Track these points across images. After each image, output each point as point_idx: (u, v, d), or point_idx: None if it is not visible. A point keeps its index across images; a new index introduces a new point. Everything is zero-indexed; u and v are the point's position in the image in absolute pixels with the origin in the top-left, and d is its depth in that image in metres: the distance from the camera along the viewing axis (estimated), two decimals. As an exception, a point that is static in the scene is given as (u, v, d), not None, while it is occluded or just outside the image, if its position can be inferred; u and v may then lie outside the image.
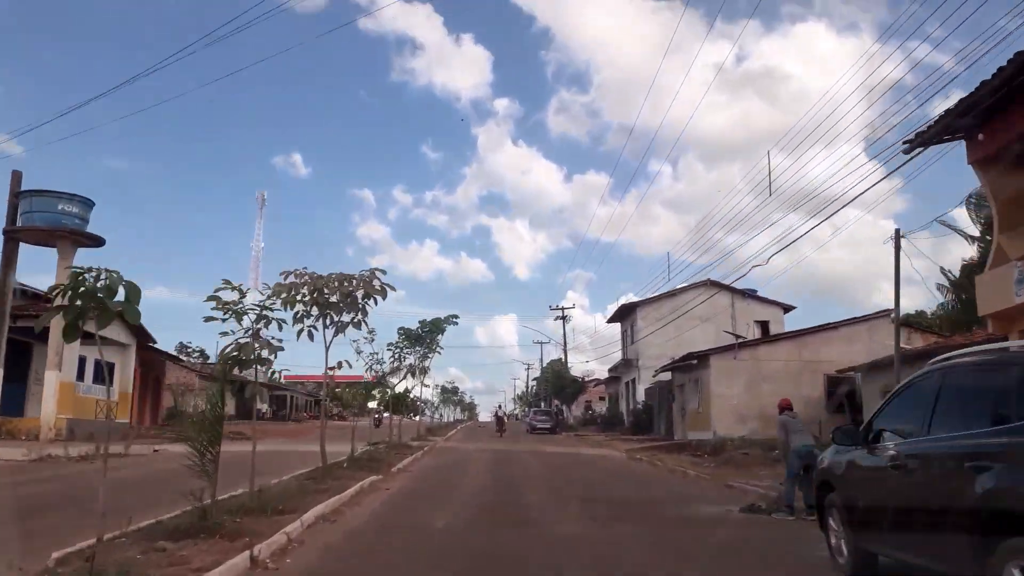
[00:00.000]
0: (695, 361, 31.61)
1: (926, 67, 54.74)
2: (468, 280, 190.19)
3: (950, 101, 20.45)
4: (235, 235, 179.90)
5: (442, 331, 27.48)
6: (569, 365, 54.73)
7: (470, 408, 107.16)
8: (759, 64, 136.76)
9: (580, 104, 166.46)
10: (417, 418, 48.20)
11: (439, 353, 29.08)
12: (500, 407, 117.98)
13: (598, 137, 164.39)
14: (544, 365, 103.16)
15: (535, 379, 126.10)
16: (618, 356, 50.39)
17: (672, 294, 45.26)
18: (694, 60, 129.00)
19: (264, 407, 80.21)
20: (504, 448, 28.23)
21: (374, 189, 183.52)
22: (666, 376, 37.88)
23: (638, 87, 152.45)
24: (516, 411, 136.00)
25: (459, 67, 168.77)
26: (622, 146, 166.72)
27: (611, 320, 51.25)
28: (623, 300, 50.34)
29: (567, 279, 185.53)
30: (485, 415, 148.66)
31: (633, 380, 46.21)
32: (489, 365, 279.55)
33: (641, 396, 44.13)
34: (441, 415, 67.89)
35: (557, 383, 51.52)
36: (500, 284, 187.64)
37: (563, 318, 56.99)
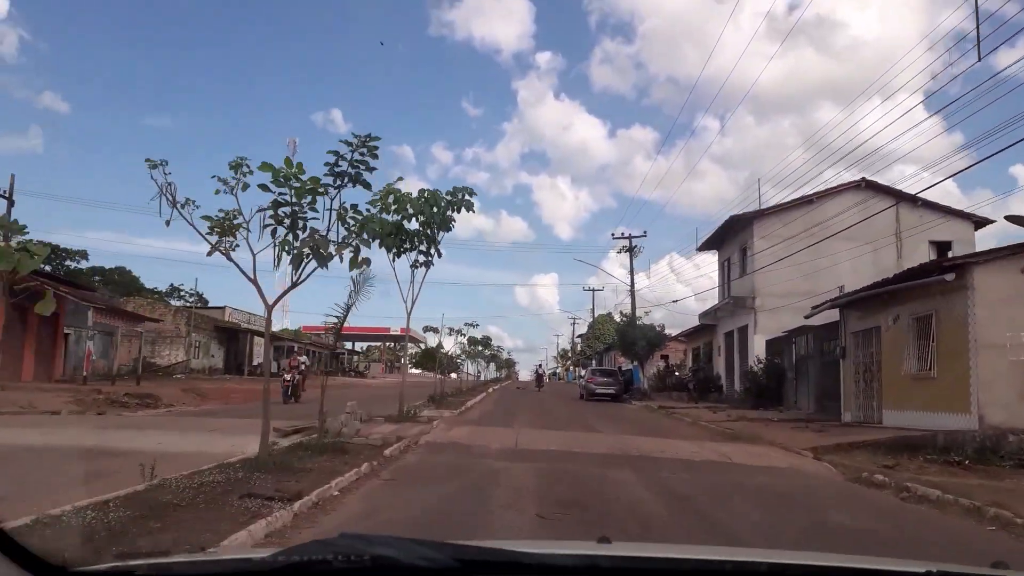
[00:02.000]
0: (924, 280, 16.98)
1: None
2: (508, 239, 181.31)
3: None
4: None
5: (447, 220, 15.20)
6: (637, 316, 40.21)
7: (507, 365, 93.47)
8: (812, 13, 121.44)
9: (625, 55, 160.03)
10: (438, 376, 34.88)
11: (438, 255, 16.38)
12: (540, 365, 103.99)
13: (643, 90, 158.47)
14: (594, 318, 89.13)
15: (579, 336, 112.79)
16: (706, 301, 36.29)
17: (805, 201, 30.68)
18: (740, 5, 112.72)
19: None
20: (558, 447, 13.43)
21: (414, 146, 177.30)
22: (809, 321, 23.66)
23: (686, 36, 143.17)
24: (557, 370, 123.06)
25: (499, 18, 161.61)
26: (669, 99, 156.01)
27: (703, 247, 36.73)
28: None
29: (608, 240, 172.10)
30: (526, 374, 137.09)
31: (743, 329, 31.88)
32: (530, 325, 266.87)
33: (757, 351, 29.87)
34: (469, 372, 54.53)
35: (625, 334, 37.23)
36: (541, 243, 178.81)
37: (630, 249, 42.72)
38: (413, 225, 15.95)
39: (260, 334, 66.03)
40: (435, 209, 15.86)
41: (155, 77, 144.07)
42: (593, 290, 76.90)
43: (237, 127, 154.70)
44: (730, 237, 33.55)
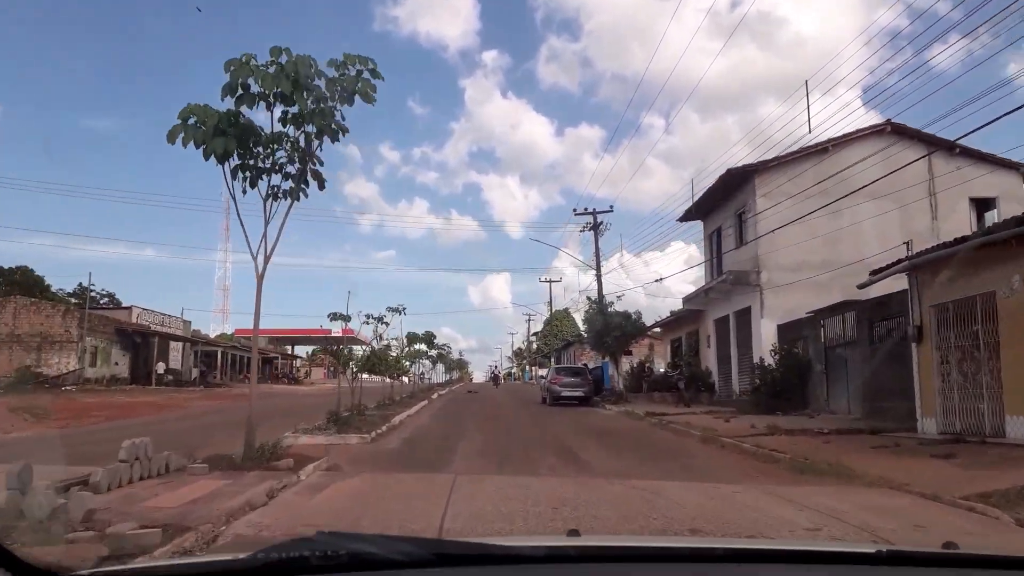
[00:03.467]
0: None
1: None
2: (459, 239, 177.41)
3: None
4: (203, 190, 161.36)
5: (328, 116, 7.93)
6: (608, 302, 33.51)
7: (460, 366, 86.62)
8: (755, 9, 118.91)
9: (571, 52, 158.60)
10: (387, 381, 28.06)
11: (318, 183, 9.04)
12: (496, 366, 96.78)
13: (590, 87, 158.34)
14: (551, 313, 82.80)
15: (535, 334, 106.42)
16: (687, 283, 29.99)
17: (818, 150, 24.64)
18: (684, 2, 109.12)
19: (183, 368, 60.04)
20: (538, 525, 6.74)
21: (361, 146, 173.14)
22: (854, 295, 17.56)
23: (632, 33, 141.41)
24: (513, 370, 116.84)
25: (444, 15, 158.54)
26: (616, 96, 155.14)
27: (685, 217, 30.41)
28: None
29: (561, 234, 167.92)
30: (480, 375, 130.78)
31: (744, 313, 25.61)
32: (482, 323, 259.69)
33: (766, 339, 23.66)
34: (421, 375, 47.54)
35: (594, 324, 30.63)
36: (492, 242, 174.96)
37: (595, 225, 36.26)
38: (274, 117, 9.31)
39: (175, 338, 58.21)
40: (307, 93, 9.20)
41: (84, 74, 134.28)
42: (550, 281, 70.70)
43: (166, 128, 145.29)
44: (722, 200, 27.28)
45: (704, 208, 28.53)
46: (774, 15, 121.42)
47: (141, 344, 52.69)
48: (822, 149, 24.45)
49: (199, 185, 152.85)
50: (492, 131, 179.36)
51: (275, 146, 9.67)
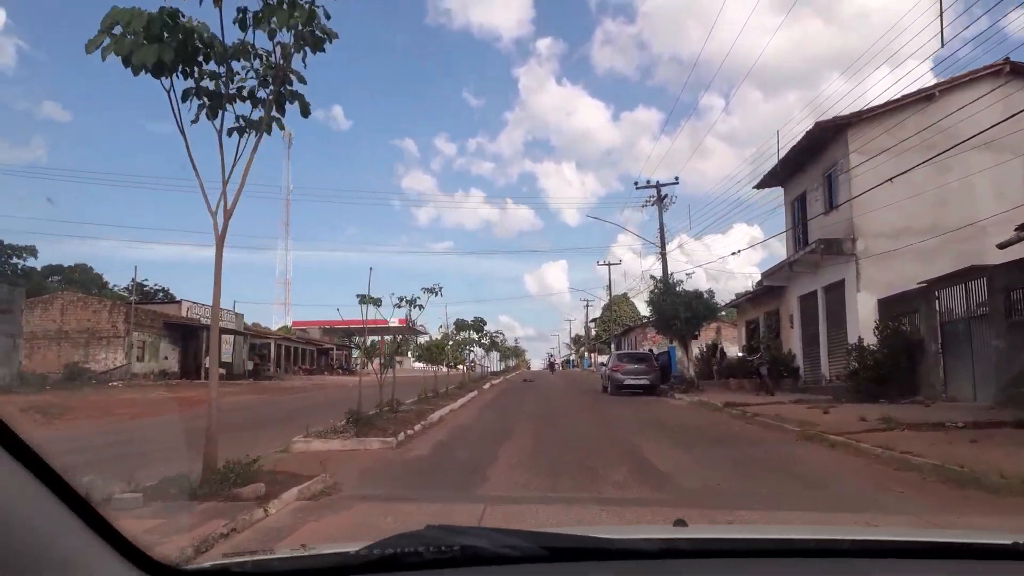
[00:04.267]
0: None
1: None
2: (515, 228, 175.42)
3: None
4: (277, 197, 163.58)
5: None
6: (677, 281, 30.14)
7: (516, 354, 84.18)
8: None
9: (627, 35, 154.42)
10: (439, 370, 25.76)
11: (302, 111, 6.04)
12: (552, 355, 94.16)
13: (647, 70, 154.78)
14: (610, 297, 79.65)
15: (593, 320, 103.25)
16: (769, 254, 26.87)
17: (922, 97, 21.23)
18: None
19: (235, 361, 58.91)
20: None
21: (416, 138, 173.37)
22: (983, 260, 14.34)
23: (689, 13, 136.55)
24: (571, 357, 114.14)
25: (497, 3, 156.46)
26: (673, 79, 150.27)
27: (764, 183, 27.10)
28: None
29: (620, 215, 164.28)
30: (538, 363, 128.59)
31: (835, 287, 22.27)
32: (541, 311, 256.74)
33: (863, 316, 20.41)
34: (472, 364, 45.05)
35: (661, 305, 27.53)
36: (549, 230, 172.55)
37: (660, 200, 33.15)
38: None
39: (225, 331, 57.01)
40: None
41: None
42: (608, 264, 67.50)
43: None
44: (808, 161, 23.92)
45: (786, 171, 25.17)
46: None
47: (191, 338, 51.52)
48: (927, 96, 21.00)
49: (261, 177, 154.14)
50: (547, 119, 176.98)
51: (241, 60, 7.14)
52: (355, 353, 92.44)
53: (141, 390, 35.73)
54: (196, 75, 6.97)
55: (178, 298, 60.42)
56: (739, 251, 36.81)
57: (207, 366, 50.77)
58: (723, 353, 29.56)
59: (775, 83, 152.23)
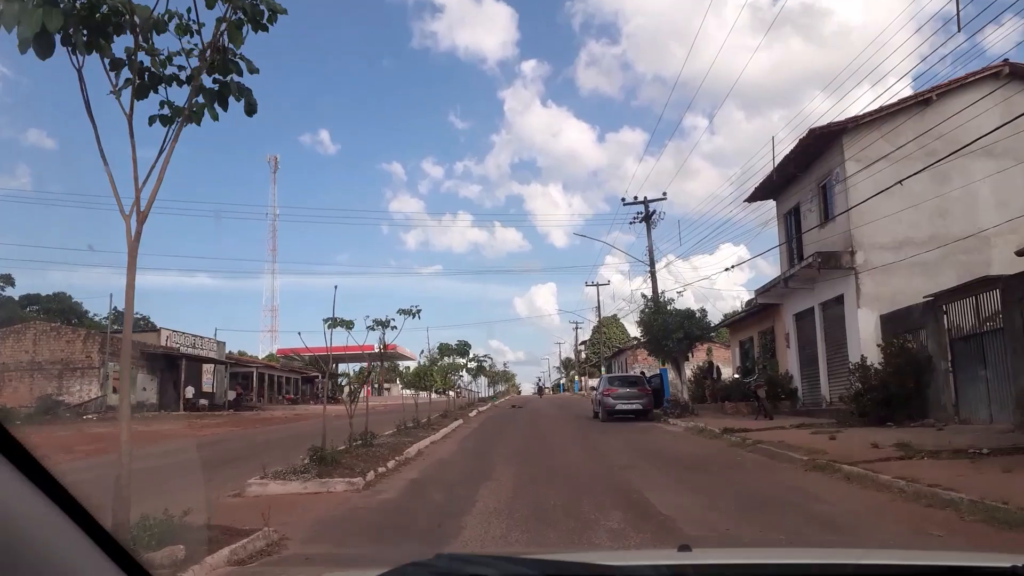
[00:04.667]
0: None
1: None
2: (504, 251, 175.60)
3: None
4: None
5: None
6: (667, 300, 29.03)
7: (506, 378, 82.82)
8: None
9: (611, 56, 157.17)
10: (420, 398, 24.38)
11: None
12: (540, 379, 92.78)
13: (631, 91, 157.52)
14: (599, 319, 78.61)
15: (583, 343, 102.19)
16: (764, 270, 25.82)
17: (919, 101, 20.44)
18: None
19: (217, 391, 57.33)
20: None
21: (404, 163, 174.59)
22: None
23: (672, 34, 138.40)
24: (562, 381, 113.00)
25: (481, 27, 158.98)
26: (658, 99, 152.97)
27: (754, 197, 26.20)
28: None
29: (608, 233, 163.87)
30: (529, 387, 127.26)
31: (834, 303, 21.22)
32: (530, 335, 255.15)
33: (864, 332, 19.39)
34: (458, 389, 43.67)
35: (651, 325, 26.41)
36: (537, 252, 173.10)
37: (647, 217, 32.20)
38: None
39: (206, 360, 55.45)
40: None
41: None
42: (597, 285, 66.50)
43: (224, 153, 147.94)
44: (801, 171, 23.00)
45: (778, 182, 24.27)
46: (816, 6, 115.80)
47: (171, 368, 49.96)
48: (924, 100, 20.16)
49: (245, 201, 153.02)
50: (533, 141, 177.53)
51: (174, 34, 6.05)
52: (341, 381, 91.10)
53: (114, 424, 34.10)
54: (101, 47, 5.85)
55: (158, 326, 58.93)
56: (733, 266, 35.91)
57: (187, 396, 49.41)
58: (719, 372, 28.42)
59: (758, 102, 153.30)
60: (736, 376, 26.41)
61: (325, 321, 14.21)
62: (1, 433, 1.01)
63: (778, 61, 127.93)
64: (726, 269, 44.08)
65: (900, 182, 16.89)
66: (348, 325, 14.22)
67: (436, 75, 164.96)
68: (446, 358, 30.00)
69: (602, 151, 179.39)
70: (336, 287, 14.77)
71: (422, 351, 28.82)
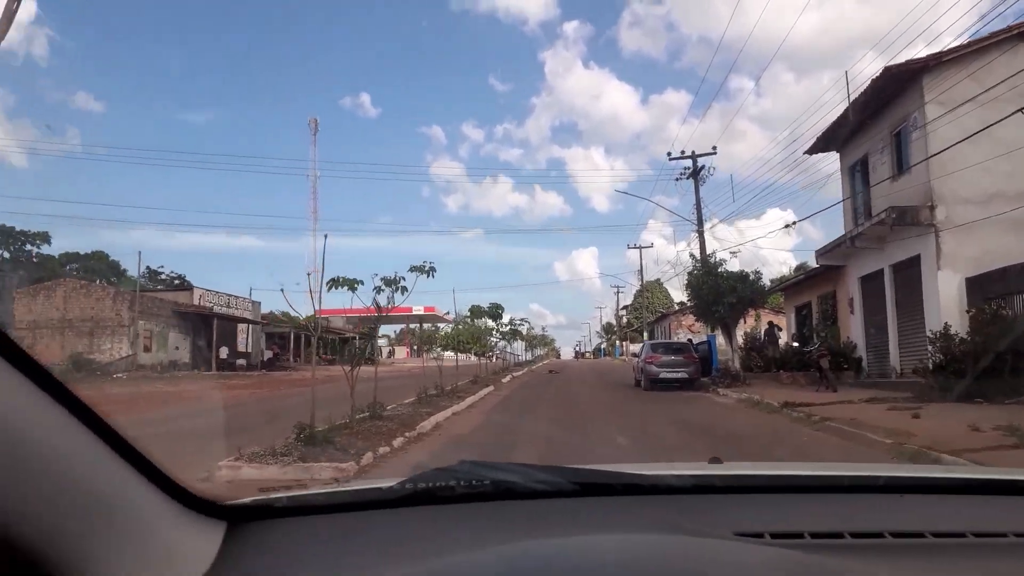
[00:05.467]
0: None
1: None
2: (544, 215, 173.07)
3: None
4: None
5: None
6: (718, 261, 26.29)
7: (544, 342, 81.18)
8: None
9: (655, 16, 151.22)
10: (443, 362, 22.54)
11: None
12: (580, 344, 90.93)
13: (675, 52, 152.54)
14: (642, 284, 76.30)
15: (624, 308, 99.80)
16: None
17: (1013, 34, 17.88)
18: None
19: (253, 351, 56.63)
20: None
21: (444, 126, 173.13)
22: None
23: None
24: (603, 345, 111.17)
25: None
26: (702, 60, 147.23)
27: (815, 148, 23.74)
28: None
29: (651, 192, 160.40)
30: (568, 351, 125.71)
31: (908, 265, 18.91)
32: (571, 299, 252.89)
33: (946, 298, 17.12)
34: (489, 354, 41.88)
35: (701, 288, 24.16)
36: (578, 217, 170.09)
37: (696, 172, 29.85)
38: None
39: (240, 320, 54.61)
40: None
41: (181, 70, 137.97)
42: (640, 247, 64.04)
43: (266, 117, 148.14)
44: (871, 118, 20.52)
45: (844, 132, 21.80)
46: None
47: (204, 327, 49.15)
48: (1018, 34, 17.55)
49: (286, 162, 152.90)
50: (574, 103, 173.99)
51: None
52: (381, 342, 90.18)
53: (142, 383, 33.46)
54: None
55: (192, 285, 58.20)
56: (794, 222, 33.13)
57: (222, 356, 48.62)
58: (766, 340, 25.95)
59: (807, 63, 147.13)
60: (794, 344, 24.15)
61: (329, 282, 12.50)
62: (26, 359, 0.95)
63: (829, 21, 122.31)
64: (787, 225, 40.54)
65: (932, 156, 14.49)
66: (352, 285, 12.47)
67: (476, 37, 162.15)
68: (477, 321, 28.30)
69: (645, 114, 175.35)
70: (327, 236, 12.88)
71: (447, 312, 27.14)
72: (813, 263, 26.32)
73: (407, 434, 11.40)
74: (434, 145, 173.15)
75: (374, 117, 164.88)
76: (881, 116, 20.11)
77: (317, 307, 11.49)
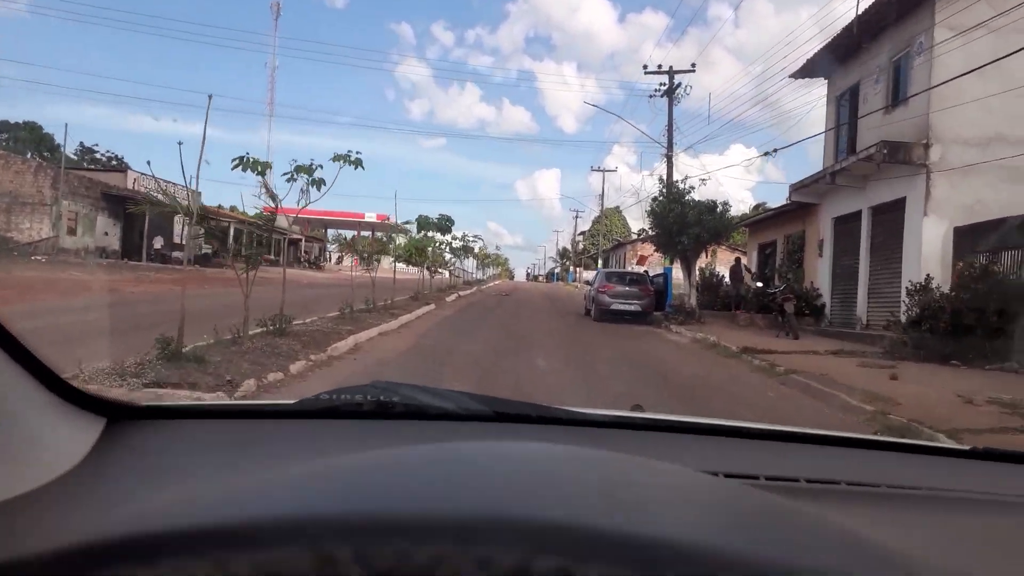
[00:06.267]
0: None
1: None
2: (511, 130, 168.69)
3: None
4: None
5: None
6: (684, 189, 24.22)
7: (498, 262, 79.59)
8: None
9: None
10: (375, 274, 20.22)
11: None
12: (534, 267, 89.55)
13: None
14: (602, 209, 74.64)
15: (581, 233, 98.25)
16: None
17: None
18: None
19: (192, 244, 53.78)
20: None
21: (413, 23, 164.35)
22: None
23: None
24: (556, 270, 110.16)
25: None
26: None
27: (803, 72, 21.87)
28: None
29: (618, 115, 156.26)
30: (522, 272, 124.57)
31: (892, 207, 17.37)
32: (530, 220, 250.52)
33: (929, 250, 15.73)
34: (429, 268, 39.84)
35: (665, 218, 22.33)
36: (545, 134, 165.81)
37: (671, 90, 27.73)
38: None
39: (174, 209, 51.61)
40: None
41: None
42: (603, 170, 62.09)
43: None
44: (868, 41, 18.65)
45: (834, 57, 19.94)
46: None
47: (138, 214, 46.13)
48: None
49: (243, 50, 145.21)
50: (550, 14, 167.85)
51: None
52: (330, 248, 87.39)
53: (55, 268, 31.04)
54: None
55: (129, 167, 54.64)
56: (775, 151, 31.16)
57: (156, 246, 45.92)
58: (748, 272, 24.10)
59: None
60: (757, 284, 22.64)
61: (234, 161, 10.47)
62: None
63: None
64: (766, 154, 37.85)
65: (934, 87, 12.79)
66: (260, 169, 10.43)
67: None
68: (423, 233, 26.36)
69: (622, 32, 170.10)
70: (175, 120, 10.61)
71: (407, 221, 25.21)
72: (772, 204, 24.81)
73: (313, 356, 9.59)
74: (402, 45, 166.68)
75: (340, 9, 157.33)
76: (882, 39, 18.23)
77: (189, 186, 9.43)
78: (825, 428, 5.59)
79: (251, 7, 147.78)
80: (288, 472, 0.82)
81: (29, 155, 51.46)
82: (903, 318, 15.06)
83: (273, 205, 10.93)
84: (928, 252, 15.67)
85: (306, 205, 11.12)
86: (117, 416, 1.31)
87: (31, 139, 68.58)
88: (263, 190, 10.69)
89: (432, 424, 1.47)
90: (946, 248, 15.52)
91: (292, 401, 1.51)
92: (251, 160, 10.21)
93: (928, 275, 14.65)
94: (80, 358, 7.25)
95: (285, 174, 10.76)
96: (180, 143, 9.11)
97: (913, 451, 1.78)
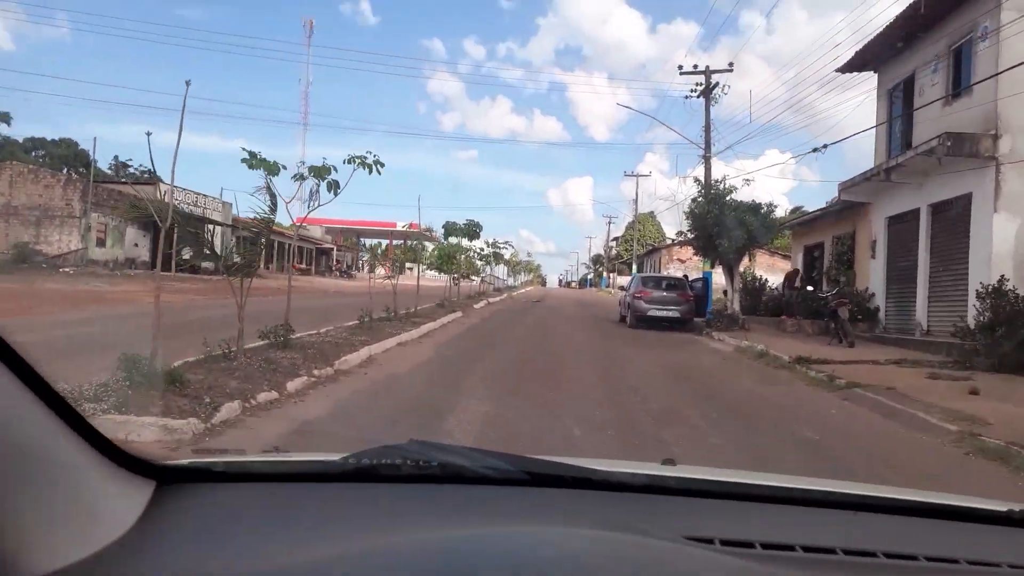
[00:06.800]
0: None
1: None
2: (542, 140, 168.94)
3: None
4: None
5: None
6: (725, 190, 22.69)
7: (530, 268, 78.50)
8: None
9: None
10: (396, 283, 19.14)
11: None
12: (566, 273, 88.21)
13: None
14: (635, 216, 73.23)
15: (615, 239, 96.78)
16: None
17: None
18: None
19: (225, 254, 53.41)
20: None
21: (444, 39, 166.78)
22: None
23: None
24: (589, 276, 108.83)
25: None
26: None
27: (853, 64, 20.47)
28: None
29: (652, 116, 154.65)
30: (555, 279, 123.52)
31: (955, 204, 15.93)
32: (562, 227, 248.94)
33: (1000, 250, 14.31)
34: (459, 277, 38.72)
35: (705, 220, 20.96)
36: (576, 144, 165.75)
37: (708, 90, 26.44)
38: None
39: (210, 221, 51.31)
40: None
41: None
42: (637, 176, 60.72)
43: (261, 17, 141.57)
44: (922, 31, 17.28)
45: (884, 49, 18.59)
46: None
47: (170, 226, 45.82)
48: None
49: (277, 68, 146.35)
50: (580, 26, 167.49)
51: None
52: (361, 257, 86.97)
53: (79, 280, 30.79)
54: None
55: (160, 180, 54.64)
56: (825, 146, 29.44)
57: (185, 257, 45.55)
58: (803, 281, 22.47)
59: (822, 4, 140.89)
60: (808, 288, 21.15)
61: (246, 152, 9.56)
62: None
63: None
64: (815, 149, 36.18)
65: (1000, 72, 11.38)
66: (272, 169, 9.49)
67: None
68: (452, 239, 25.44)
69: (652, 42, 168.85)
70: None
71: (403, 225, 24.23)
72: (808, 208, 23.33)
73: (317, 372, 8.59)
74: (434, 60, 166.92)
75: (373, 25, 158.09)
76: (939, 26, 16.86)
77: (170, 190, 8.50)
78: (903, 452, 4.53)
79: (291, 26, 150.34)
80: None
81: (65, 170, 51.64)
82: (972, 323, 13.68)
83: (273, 208, 9.92)
84: (999, 251, 14.26)
85: (316, 207, 10.18)
86: (165, 479, 1.33)
87: (67, 155, 69.25)
88: (266, 193, 9.68)
89: (469, 489, 1.46)
90: (1020, 247, 14.11)
91: (335, 458, 1.50)
92: (260, 159, 9.28)
93: (1002, 276, 13.25)
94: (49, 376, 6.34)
95: (295, 175, 9.83)
96: (174, 151, 8.10)
97: (949, 516, 1.61)
